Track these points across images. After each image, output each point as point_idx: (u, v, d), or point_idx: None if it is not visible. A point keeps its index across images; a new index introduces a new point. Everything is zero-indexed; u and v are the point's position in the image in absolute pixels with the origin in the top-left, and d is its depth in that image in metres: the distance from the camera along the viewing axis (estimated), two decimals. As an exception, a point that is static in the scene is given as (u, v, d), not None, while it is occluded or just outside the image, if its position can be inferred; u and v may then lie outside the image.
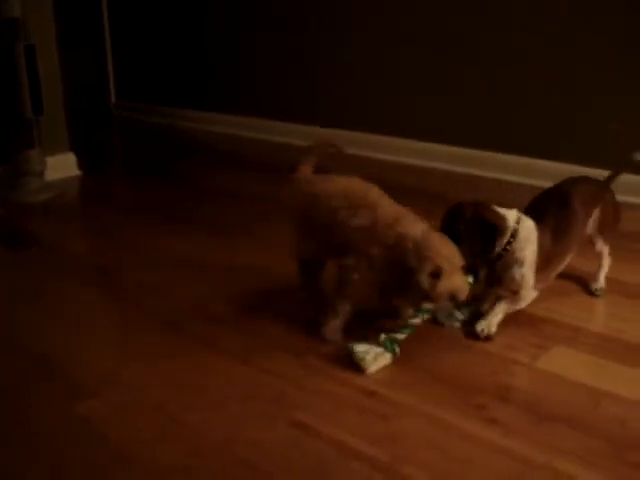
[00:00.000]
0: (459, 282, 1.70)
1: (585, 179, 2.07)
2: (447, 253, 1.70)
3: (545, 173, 2.92)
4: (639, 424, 1.50)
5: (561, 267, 1.99)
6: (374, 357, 1.71)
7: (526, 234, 1.85)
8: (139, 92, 5.07)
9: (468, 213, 1.83)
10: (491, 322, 1.86)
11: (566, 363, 1.74)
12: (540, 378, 1.69)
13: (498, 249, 1.84)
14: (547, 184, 2.08)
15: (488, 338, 1.84)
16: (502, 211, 1.86)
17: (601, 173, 2.14)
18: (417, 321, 1.81)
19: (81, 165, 3.58)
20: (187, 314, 2.06)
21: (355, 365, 1.71)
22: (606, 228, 2.06)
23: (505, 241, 1.84)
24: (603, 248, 2.09)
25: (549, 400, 1.60)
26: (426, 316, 1.83)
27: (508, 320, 1.91)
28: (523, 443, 1.45)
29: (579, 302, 2.04)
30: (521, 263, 1.85)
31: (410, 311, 1.85)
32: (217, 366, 1.78)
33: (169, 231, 2.75)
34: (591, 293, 2.09)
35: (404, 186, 2.85)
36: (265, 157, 3.97)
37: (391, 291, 1.87)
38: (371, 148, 3.72)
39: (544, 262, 1.89)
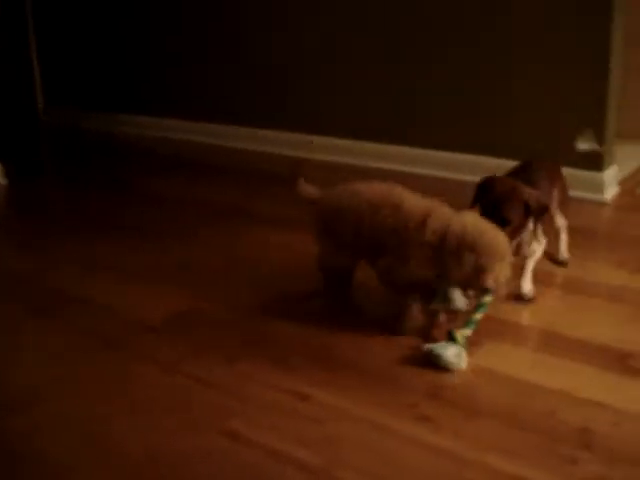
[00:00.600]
0: (505, 271, 1.73)
1: (542, 160, 2.22)
2: (492, 244, 1.71)
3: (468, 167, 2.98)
4: (570, 416, 1.51)
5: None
6: (458, 354, 1.71)
7: None
8: (68, 97, 4.95)
9: (510, 191, 1.88)
10: (529, 284, 2.04)
11: (499, 358, 1.75)
12: (473, 374, 1.69)
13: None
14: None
15: (531, 300, 2.01)
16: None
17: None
18: (478, 316, 1.81)
19: (8, 173, 3.48)
20: (117, 324, 2.01)
21: (442, 367, 1.69)
22: (564, 204, 2.20)
23: None
24: (563, 223, 2.23)
25: (481, 396, 1.60)
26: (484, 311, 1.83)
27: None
28: (456, 440, 1.45)
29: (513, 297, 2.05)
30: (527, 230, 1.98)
31: (462, 302, 1.88)
32: (146, 377, 1.74)
33: (98, 238, 2.68)
34: (560, 264, 2.25)
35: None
36: (203, 160, 3.91)
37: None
38: (301, 148, 3.72)
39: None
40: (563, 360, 1.73)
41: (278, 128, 3.86)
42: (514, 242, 1.90)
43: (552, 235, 2.19)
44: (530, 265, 2.07)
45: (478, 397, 1.60)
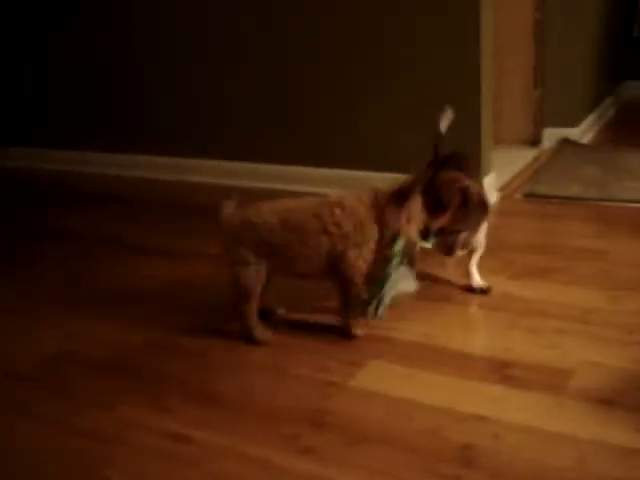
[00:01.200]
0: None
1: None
2: None
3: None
4: (453, 433, 1.49)
5: None
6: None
7: None
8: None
9: (474, 192, 1.94)
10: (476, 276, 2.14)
11: (381, 378, 1.73)
12: (355, 398, 1.66)
13: None
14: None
15: (485, 291, 2.11)
16: None
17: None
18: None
19: None
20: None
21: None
22: None
23: None
24: None
25: (364, 420, 1.57)
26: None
27: (320, 340, 1.89)
28: (340, 469, 1.41)
29: (393, 313, 2.03)
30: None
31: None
32: (17, 429, 1.63)
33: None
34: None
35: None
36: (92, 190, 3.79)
37: None
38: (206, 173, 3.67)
39: None
40: (443, 375, 1.72)
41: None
42: (453, 236, 1.97)
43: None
44: (476, 258, 2.15)
45: (361, 421, 1.56)
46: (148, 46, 3.71)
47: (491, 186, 3.02)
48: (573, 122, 4.03)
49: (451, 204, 1.91)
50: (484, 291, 2.12)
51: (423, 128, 2.97)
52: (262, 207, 1.92)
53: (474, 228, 2.02)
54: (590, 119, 4.35)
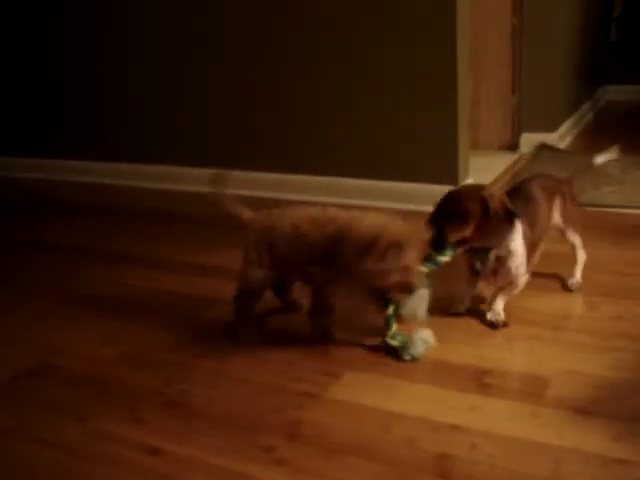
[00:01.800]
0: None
1: (541, 175, 2.23)
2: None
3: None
4: (429, 443, 1.48)
5: (538, 253, 2.08)
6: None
7: (516, 227, 1.90)
8: None
9: (496, 201, 1.83)
10: (498, 311, 1.97)
11: (357, 389, 1.71)
12: (330, 409, 1.64)
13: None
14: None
15: (506, 324, 1.95)
16: None
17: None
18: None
19: None
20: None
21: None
22: (571, 219, 2.16)
23: None
24: (575, 239, 2.19)
25: (340, 431, 1.55)
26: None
27: (297, 351, 1.88)
28: (314, 482, 1.40)
29: (370, 324, 2.01)
30: (515, 254, 1.91)
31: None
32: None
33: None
34: (567, 289, 2.16)
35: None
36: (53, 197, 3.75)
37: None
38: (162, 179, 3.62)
39: (528, 250, 1.96)
40: (420, 384, 1.71)
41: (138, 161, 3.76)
42: (482, 255, 1.92)
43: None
44: (508, 295, 2.01)
45: (337, 432, 1.54)
46: (132, 53, 3.68)
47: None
48: (551, 127, 4.04)
49: (471, 214, 1.81)
50: (495, 325, 1.97)
51: (400, 133, 3.02)
52: (286, 213, 1.93)
53: (499, 243, 1.89)
54: (568, 124, 4.37)
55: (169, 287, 2.40)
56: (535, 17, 3.88)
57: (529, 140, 4.02)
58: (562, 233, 2.17)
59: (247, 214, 2.00)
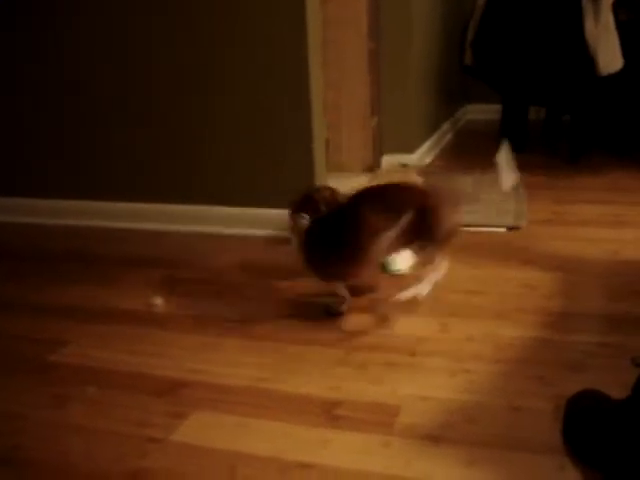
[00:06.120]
0: None
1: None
2: None
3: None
4: (275, 484, 1.42)
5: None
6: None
7: None
8: None
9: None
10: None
11: (204, 430, 1.62)
12: (174, 453, 1.54)
13: None
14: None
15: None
16: None
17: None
18: None
19: None
20: None
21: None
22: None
23: None
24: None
25: (186, 476, 1.46)
26: None
27: (141, 391, 1.78)
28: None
29: (219, 356, 1.94)
30: None
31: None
32: None
33: None
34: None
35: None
36: None
37: None
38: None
39: None
40: (271, 421, 1.64)
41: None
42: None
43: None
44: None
45: (179, 478, 1.45)
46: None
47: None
48: (410, 148, 4.10)
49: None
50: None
51: (255, 157, 2.97)
52: None
53: None
54: (428, 144, 4.46)
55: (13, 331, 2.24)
56: (391, 42, 3.94)
57: (390, 161, 4.07)
58: None
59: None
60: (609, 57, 3.74)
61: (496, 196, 3.37)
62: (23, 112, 3.38)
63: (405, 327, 2.06)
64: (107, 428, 1.65)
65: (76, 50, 3.17)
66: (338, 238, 2.00)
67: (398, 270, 2.37)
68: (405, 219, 1.95)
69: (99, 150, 3.27)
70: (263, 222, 2.98)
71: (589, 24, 3.78)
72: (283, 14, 2.77)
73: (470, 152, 4.67)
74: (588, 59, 3.79)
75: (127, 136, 3.19)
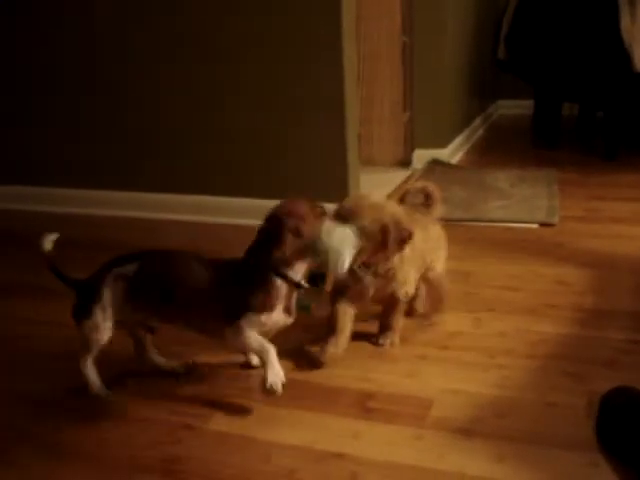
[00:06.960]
0: None
1: None
2: None
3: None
4: (307, 474, 1.43)
5: None
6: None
7: None
8: None
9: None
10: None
11: (238, 419, 1.64)
12: (210, 441, 1.56)
13: None
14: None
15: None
16: None
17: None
18: None
19: None
20: None
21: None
22: None
23: None
24: None
25: (219, 464, 1.48)
26: None
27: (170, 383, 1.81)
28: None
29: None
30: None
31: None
32: None
33: None
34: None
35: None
36: None
37: None
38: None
39: None
40: (305, 411, 1.66)
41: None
42: None
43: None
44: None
45: (215, 466, 1.47)
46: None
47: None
48: (442, 143, 4.10)
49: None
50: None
51: (288, 150, 2.99)
52: None
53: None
54: (459, 140, 4.45)
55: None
56: (425, 36, 3.93)
57: (421, 156, 4.07)
58: None
59: None
60: (645, 53, 3.72)
61: (528, 192, 3.36)
62: (36, 102, 3.43)
63: (438, 321, 2.07)
64: (146, 416, 1.68)
65: (91, 37, 3.22)
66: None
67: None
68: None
69: (130, 141, 3.31)
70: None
71: (625, 20, 3.75)
72: (318, 10, 2.78)
73: (501, 148, 4.65)
74: (623, 55, 3.76)
75: (158, 126, 3.23)
